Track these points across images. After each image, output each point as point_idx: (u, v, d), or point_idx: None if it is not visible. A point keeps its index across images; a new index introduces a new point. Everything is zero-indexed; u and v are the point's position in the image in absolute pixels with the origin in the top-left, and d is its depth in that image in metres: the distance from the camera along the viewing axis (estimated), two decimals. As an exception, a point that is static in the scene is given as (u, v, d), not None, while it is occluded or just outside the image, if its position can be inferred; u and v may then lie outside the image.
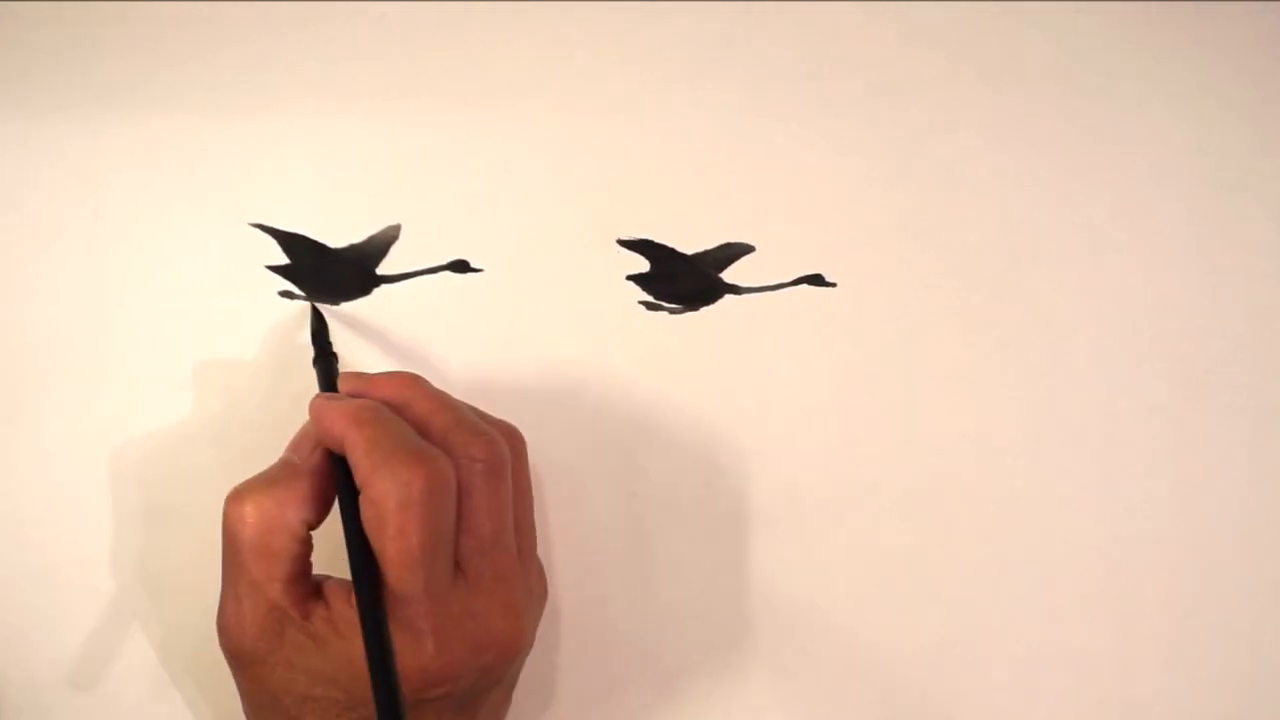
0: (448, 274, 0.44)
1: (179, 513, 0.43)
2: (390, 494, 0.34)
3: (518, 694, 0.41)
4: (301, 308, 0.44)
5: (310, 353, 0.42)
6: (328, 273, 0.43)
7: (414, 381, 0.38)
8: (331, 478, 0.37)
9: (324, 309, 0.43)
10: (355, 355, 0.44)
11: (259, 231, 0.43)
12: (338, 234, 0.44)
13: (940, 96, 0.45)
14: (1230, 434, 0.45)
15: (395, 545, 0.34)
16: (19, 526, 0.43)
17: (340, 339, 0.44)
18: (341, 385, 0.39)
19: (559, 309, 0.44)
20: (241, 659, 0.36)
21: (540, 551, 0.42)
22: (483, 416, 0.39)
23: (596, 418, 0.45)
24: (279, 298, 0.44)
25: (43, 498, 0.43)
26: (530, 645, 0.38)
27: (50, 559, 0.43)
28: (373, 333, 0.44)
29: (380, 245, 0.44)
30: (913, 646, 0.45)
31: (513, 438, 0.39)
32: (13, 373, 0.43)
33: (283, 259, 0.44)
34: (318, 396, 0.38)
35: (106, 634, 0.44)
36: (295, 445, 0.38)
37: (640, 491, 0.44)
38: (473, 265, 0.44)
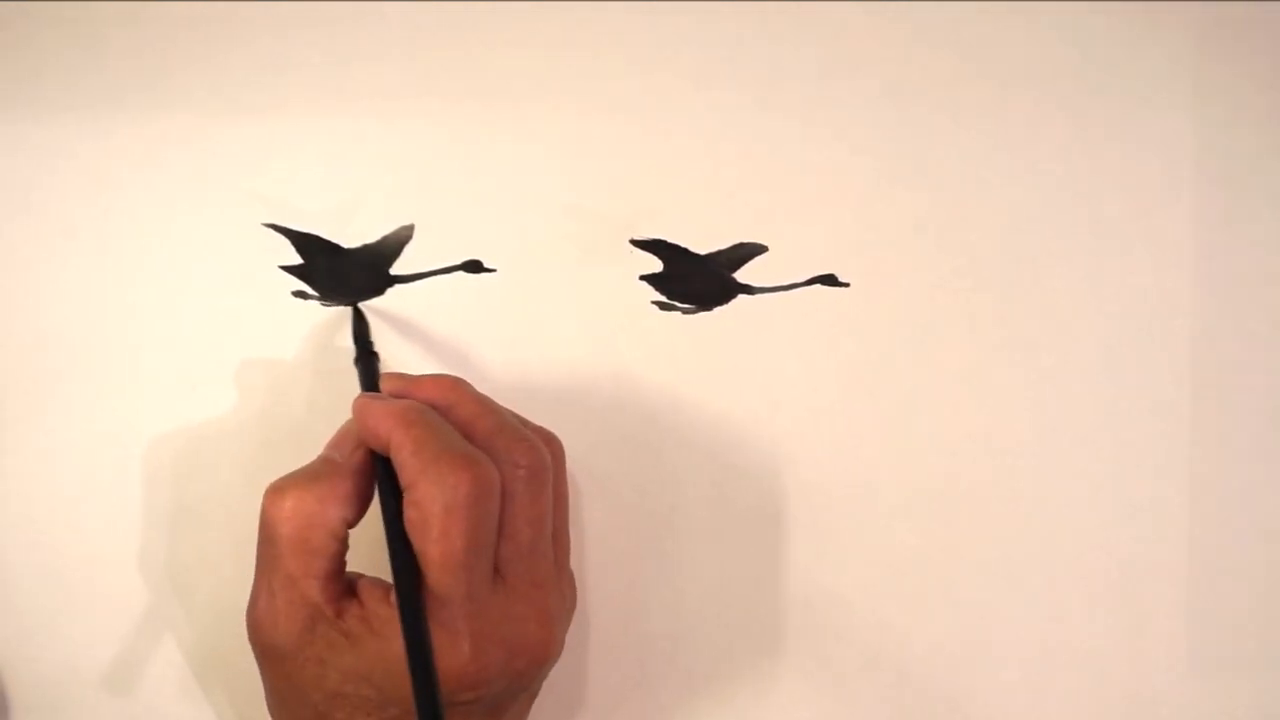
0: (461, 274, 0.44)
1: (195, 510, 0.43)
2: (436, 497, 0.34)
3: (546, 697, 0.41)
4: (322, 309, 0.44)
5: (347, 352, 0.42)
6: (341, 273, 0.44)
7: (457, 384, 0.38)
8: (372, 477, 0.37)
9: (343, 307, 0.43)
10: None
11: (271, 231, 0.43)
12: (351, 234, 0.44)
13: (950, 96, 0.45)
14: (1239, 433, 0.45)
15: (439, 548, 0.34)
16: (33, 525, 0.43)
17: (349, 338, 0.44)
18: (384, 385, 0.39)
19: (571, 309, 0.44)
20: (271, 653, 0.36)
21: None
22: (524, 423, 0.39)
23: (608, 417, 0.45)
24: (292, 297, 0.44)
25: (57, 496, 0.43)
26: (560, 653, 0.38)
27: (65, 557, 0.43)
28: (388, 332, 0.44)
29: (394, 245, 0.44)
30: (926, 645, 0.45)
31: (552, 444, 0.39)
32: (27, 371, 0.43)
33: (296, 259, 0.44)
34: (361, 396, 0.38)
35: (126, 633, 0.44)
36: (336, 443, 0.38)
37: (652, 490, 0.45)
38: (486, 265, 0.44)
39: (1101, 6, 0.45)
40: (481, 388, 0.42)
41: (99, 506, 0.43)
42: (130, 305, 0.44)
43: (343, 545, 0.36)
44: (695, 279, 0.44)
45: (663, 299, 0.45)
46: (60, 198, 0.43)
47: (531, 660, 0.36)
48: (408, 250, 0.44)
